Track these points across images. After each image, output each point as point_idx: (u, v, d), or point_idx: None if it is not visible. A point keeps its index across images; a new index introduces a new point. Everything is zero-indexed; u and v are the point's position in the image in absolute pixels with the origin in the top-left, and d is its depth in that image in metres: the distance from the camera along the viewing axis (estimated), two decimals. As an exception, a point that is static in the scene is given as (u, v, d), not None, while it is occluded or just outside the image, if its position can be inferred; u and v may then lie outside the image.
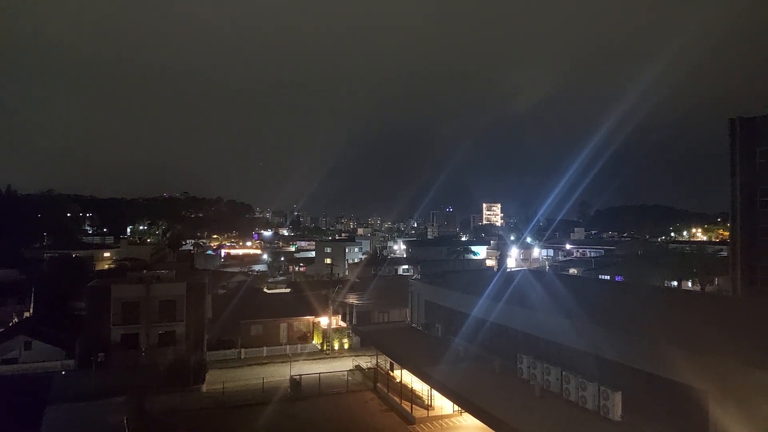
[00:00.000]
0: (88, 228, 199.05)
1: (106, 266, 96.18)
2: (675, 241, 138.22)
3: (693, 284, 71.13)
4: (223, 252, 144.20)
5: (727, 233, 54.52)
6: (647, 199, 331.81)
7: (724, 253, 62.64)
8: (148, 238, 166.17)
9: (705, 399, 19.21)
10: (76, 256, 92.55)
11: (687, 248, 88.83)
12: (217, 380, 42.52)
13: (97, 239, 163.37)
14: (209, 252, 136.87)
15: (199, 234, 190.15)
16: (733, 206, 42.49)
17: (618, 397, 22.57)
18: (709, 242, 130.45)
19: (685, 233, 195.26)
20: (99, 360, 42.48)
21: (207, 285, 50.76)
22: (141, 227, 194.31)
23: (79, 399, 37.64)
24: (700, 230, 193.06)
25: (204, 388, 41.77)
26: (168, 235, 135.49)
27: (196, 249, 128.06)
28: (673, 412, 20.94)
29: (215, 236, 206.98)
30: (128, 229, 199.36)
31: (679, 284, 69.92)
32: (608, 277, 72.72)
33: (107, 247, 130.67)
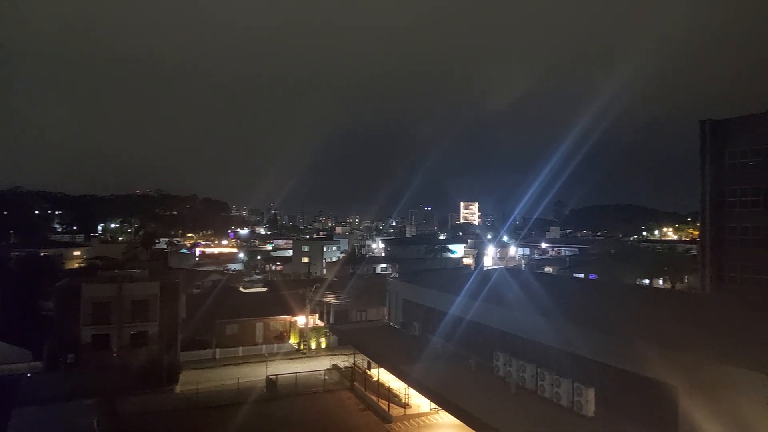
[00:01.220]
0: (58, 226, 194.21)
1: (76, 265, 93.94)
2: (647, 240, 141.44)
3: (664, 282, 72.83)
4: (197, 251, 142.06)
5: (697, 232, 56.04)
6: (620, 198, 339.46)
7: (694, 252, 64.18)
8: (120, 236, 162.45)
9: (675, 394, 19.62)
10: (44, 254, 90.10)
11: (658, 247, 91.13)
12: (191, 381, 41.80)
13: (66, 238, 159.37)
14: (184, 251, 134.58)
15: (173, 232, 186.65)
16: (703, 206, 43.56)
17: (591, 393, 22.92)
18: (680, 241, 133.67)
19: (656, 232, 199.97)
20: (68, 361, 41.39)
21: (181, 284, 49.89)
22: (113, 225, 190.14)
23: (48, 401, 36.63)
24: (671, 229, 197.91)
25: (177, 389, 41.07)
26: (141, 233, 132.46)
27: (169, 248, 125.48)
28: (645, 407, 21.35)
29: (190, 234, 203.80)
30: (99, 228, 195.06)
31: (651, 282, 71.53)
32: (582, 276, 73.94)
33: (77, 246, 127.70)
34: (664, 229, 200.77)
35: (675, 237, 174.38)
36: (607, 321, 27.39)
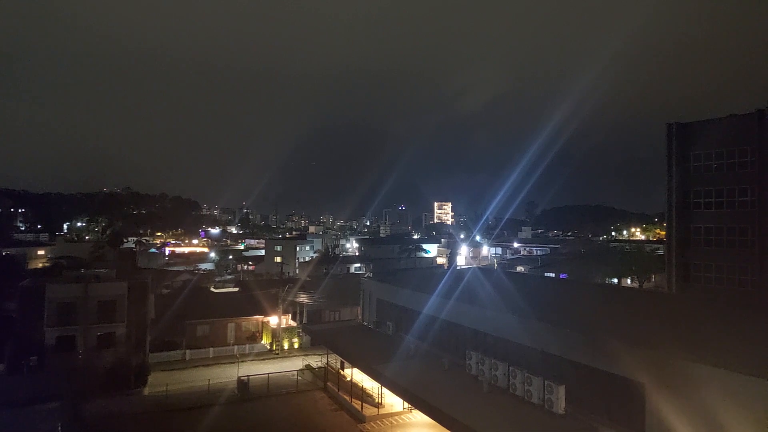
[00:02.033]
0: (21, 224, 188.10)
1: (41, 265, 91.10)
2: (615, 240, 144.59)
3: (632, 281, 74.52)
4: (167, 250, 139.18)
5: (663, 233, 57.59)
6: (590, 199, 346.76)
7: (661, 252, 65.91)
8: (87, 235, 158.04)
9: (642, 390, 20.06)
10: (6, 254, 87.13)
11: (627, 247, 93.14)
12: (160, 383, 40.96)
13: (30, 236, 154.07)
14: (153, 250, 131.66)
15: (141, 231, 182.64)
16: (669, 207, 44.76)
17: (562, 391, 23.25)
18: (647, 241, 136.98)
19: (625, 232, 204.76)
20: (31, 364, 40.02)
21: (150, 284, 48.77)
22: (79, 224, 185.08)
23: (9, 406, 35.23)
24: (639, 230, 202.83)
25: (146, 391, 40.22)
26: (108, 232, 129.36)
27: (138, 247, 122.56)
28: (613, 403, 21.78)
29: (159, 234, 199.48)
30: (65, 226, 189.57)
31: (619, 281, 73.13)
32: (553, 275, 75.12)
33: (41, 245, 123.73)
34: (633, 229, 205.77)
35: (643, 237, 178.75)
36: (577, 319, 27.85)
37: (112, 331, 44.07)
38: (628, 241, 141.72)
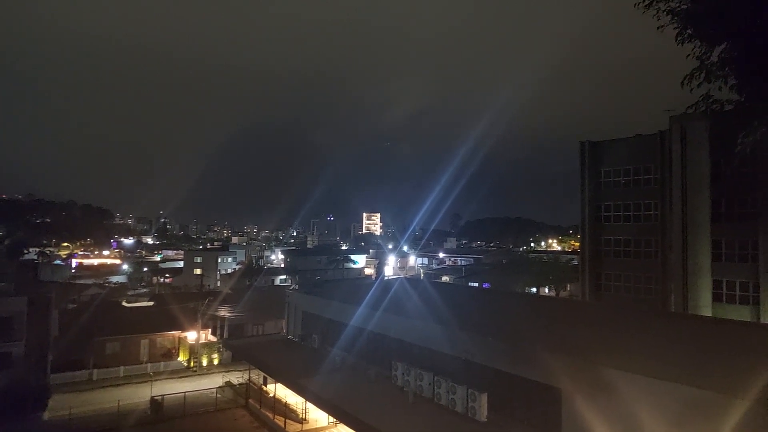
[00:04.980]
0: None
1: None
2: (534, 251, 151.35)
3: (549, 290, 78.20)
4: (74, 262, 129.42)
5: (578, 244, 60.96)
6: (512, 211, 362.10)
7: (576, 262, 69.62)
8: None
9: (558, 396, 20.74)
10: None
11: (545, 257, 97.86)
12: (63, 406, 37.73)
13: None
14: (58, 262, 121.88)
15: (45, 242, 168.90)
16: (582, 219, 47.40)
17: (484, 399, 23.61)
18: (563, 252, 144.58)
19: (543, 243, 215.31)
20: None
21: (53, 299, 44.89)
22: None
23: None
24: (555, 241, 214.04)
25: (46, 415, 36.83)
26: (6, 242, 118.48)
27: (41, 258, 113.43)
28: (532, 409, 22.38)
29: (66, 244, 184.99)
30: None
31: (538, 290, 76.51)
32: (477, 284, 77.28)
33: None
34: (550, 241, 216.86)
35: (559, 248, 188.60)
36: (498, 328, 28.53)
37: (8, 351, 40.02)
38: (545, 252, 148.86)
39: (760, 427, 14.73)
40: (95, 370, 46.62)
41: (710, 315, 36.55)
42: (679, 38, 9.39)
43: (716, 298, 37.79)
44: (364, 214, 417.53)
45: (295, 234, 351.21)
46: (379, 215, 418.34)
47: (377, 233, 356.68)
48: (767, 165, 34.55)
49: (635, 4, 9.80)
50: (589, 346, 23.07)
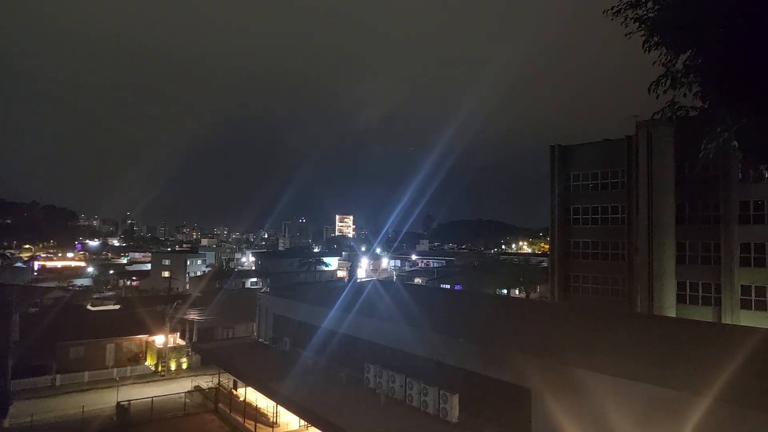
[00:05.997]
0: None
1: None
2: (505, 253, 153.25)
3: (520, 291, 79.29)
4: (36, 264, 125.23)
5: (548, 246, 62.09)
6: (483, 214, 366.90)
7: (545, 264, 70.81)
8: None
9: (528, 396, 21.01)
10: None
11: (515, 259, 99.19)
12: (24, 413, 36.40)
13: None
14: (19, 264, 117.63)
15: (6, 244, 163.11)
16: (552, 222, 48.27)
17: (455, 400, 23.75)
18: (534, 254, 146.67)
19: (514, 246, 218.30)
20: None
21: (13, 302, 43.27)
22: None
23: None
24: (526, 243, 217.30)
25: (7, 422, 35.40)
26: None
27: (1, 261, 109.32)
28: (502, 409, 22.61)
29: (27, 246, 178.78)
30: None
31: (509, 292, 77.49)
32: (449, 286, 77.74)
33: None
34: (521, 243, 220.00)
35: (529, 250, 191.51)
36: (469, 329, 28.75)
37: (-37, 357, 38.42)
38: (516, 254, 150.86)
39: (720, 423, 15.21)
40: (59, 376, 45.18)
41: (674, 316, 37.67)
42: (646, 45, 9.61)
43: (680, 299, 38.98)
44: (337, 216, 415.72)
45: (266, 236, 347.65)
46: (352, 217, 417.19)
47: (350, 235, 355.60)
48: (729, 170, 35.83)
49: (604, 11, 9.98)
50: (559, 346, 23.44)
